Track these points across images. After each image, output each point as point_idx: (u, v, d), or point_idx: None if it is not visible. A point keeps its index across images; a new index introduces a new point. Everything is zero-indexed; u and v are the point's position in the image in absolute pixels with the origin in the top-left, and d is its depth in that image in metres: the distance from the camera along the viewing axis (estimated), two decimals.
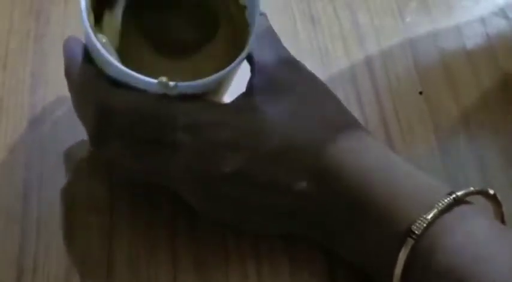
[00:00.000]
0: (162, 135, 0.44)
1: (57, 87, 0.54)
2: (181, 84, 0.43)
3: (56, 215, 0.49)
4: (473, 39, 0.61)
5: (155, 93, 0.44)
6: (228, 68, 0.45)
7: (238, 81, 0.48)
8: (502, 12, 0.63)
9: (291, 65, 0.48)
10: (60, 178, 0.50)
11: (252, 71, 0.47)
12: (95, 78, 0.45)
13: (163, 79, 0.43)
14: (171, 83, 0.43)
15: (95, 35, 0.44)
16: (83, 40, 0.47)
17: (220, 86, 0.46)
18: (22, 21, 0.57)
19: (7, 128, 0.52)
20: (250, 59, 0.47)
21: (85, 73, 0.45)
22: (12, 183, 0.50)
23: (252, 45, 0.45)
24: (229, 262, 0.48)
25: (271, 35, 0.49)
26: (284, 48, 0.49)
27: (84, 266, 0.47)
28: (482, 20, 0.62)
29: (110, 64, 0.44)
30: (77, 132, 0.51)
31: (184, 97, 0.44)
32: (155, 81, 0.43)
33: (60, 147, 0.52)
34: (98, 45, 0.44)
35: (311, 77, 0.48)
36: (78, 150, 0.52)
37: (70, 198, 0.50)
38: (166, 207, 0.50)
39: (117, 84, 0.44)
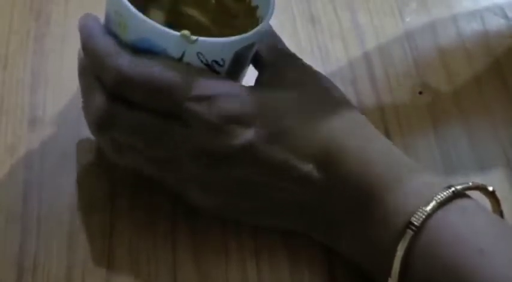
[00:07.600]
0: (176, 106, 0.44)
1: (57, 87, 0.54)
2: (202, 38, 0.44)
3: (56, 215, 0.49)
4: (472, 38, 0.61)
5: (174, 55, 0.44)
6: (246, 35, 0.45)
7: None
8: (501, 12, 0.63)
9: (295, 61, 0.50)
10: (60, 178, 0.50)
11: (259, 69, 0.49)
12: (117, 47, 0.45)
13: (185, 32, 0.44)
14: (193, 37, 0.44)
15: None
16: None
17: (235, 65, 0.47)
18: (22, 21, 0.57)
19: (7, 128, 0.52)
20: (257, 58, 0.49)
21: (106, 44, 0.45)
22: (12, 183, 0.50)
23: (267, 24, 0.46)
24: (229, 260, 0.48)
25: (274, 37, 0.51)
26: (286, 47, 0.50)
27: (84, 266, 0.47)
28: (482, 20, 0.62)
29: (135, 16, 0.44)
30: (77, 132, 0.51)
31: (202, 71, 0.45)
32: (177, 33, 0.44)
33: (60, 147, 0.52)
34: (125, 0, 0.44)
35: (314, 71, 0.50)
36: (78, 150, 0.52)
37: (70, 198, 0.50)
38: (166, 206, 0.50)
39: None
